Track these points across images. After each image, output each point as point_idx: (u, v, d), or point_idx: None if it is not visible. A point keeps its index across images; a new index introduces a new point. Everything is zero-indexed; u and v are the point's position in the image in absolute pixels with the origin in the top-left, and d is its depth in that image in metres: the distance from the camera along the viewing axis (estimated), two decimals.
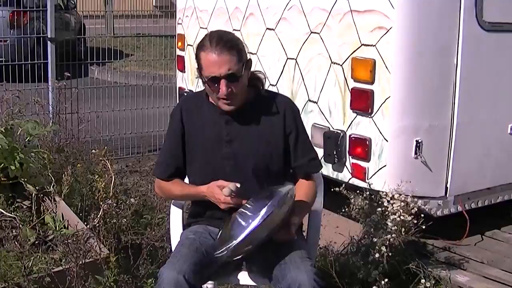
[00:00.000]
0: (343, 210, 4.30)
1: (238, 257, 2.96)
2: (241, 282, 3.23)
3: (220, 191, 2.98)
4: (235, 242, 2.83)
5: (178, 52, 6.16)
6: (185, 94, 5.95)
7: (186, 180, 3.31)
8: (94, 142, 6.93)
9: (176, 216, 3.44)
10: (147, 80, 8.60)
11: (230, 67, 2.97)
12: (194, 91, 5.85)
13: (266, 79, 4.62)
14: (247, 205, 2.93)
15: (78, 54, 8.60)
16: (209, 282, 3.22)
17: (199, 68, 3.05)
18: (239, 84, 3.03)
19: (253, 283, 3.22)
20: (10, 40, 8.13)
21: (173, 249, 3.33)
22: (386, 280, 3.38)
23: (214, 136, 3.17)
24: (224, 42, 2.99)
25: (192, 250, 3.03)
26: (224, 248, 2.86)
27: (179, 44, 6.15)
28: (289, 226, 2.97)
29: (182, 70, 6.10)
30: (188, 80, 5.97)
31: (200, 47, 3.03)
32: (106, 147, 4.82)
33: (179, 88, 6.18)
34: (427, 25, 4.18)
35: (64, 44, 7.64)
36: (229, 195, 2.96)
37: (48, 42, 6.65)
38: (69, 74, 6.41)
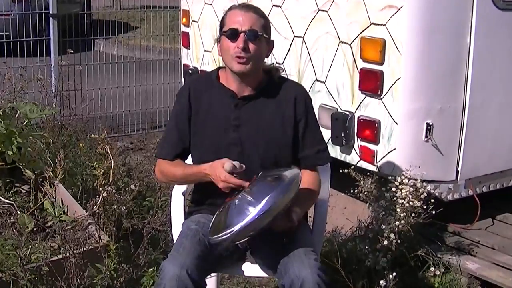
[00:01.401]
0: (351, 192, 4.18)
1: (239, 242, 2.86)
2: (245, 274, 3.13)
3: (222, 169, 2.83)
4: (236, 228, 2.68)
5: (183, 29, 6.01)
6: (190, 71, 5.82)
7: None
8: (98, 119, 6.85)
9: (177, 204, 3.34)
10: (154, 54, 8.49)
11: (253, 25, 2.93)
12: (199, 69, 5.73)
13: (273, 57, 4.52)
14: (249, 189, 2.79)
15: (83, 27, 8.45)
16: (212, 274, 3.12)
17: (221, 26, 3.01)
18: (257, 44, 2.95)
19: (257, 275, 3.12)
20: (12, 14, 8.00)
21: (174, 238, 3.23)
22: (394, 274, 3.26)
23: (221, 120, 3.05)
24: (253, 7, 3.03)
25: (194, 242, 2.92)
26: (223, 234, 2.72)
27: (184, 20, 6.00)
28: (290, 214, 2.85)
29: (187, 46, 5.95)
30: (193, 57, 5.83)
31: (227, 10, 3.04)
32: (106, 129, 4.70)
33: (184, 65, 6.04)
34: (439, 4, 4.02)
35: (67, 18, 7.48)
36: (230, 171, 2.79)
37: (50, 18, 6.51)
38: (72, 51, 6.28)
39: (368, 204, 4.23)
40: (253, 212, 2.67)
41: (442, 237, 4.47)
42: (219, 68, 3.17)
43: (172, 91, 7.44)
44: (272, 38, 3.10)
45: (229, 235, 2.70)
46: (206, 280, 2.92)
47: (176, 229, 3.22)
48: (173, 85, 7.41)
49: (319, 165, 3.15)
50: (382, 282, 3.22)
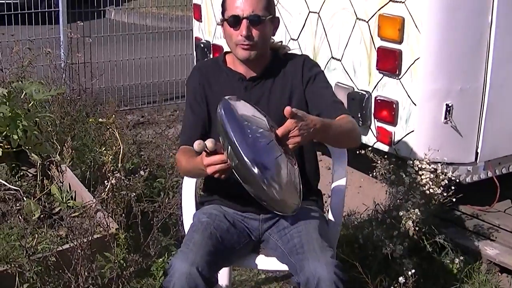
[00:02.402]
0: (368, 173, 4.06)
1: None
2: (259, 267, 3.03)
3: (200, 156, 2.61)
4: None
5: (195, 0, 5.85)
6: (202, 45, 5.66)
7: None
8: (108, 91, 6.73)
9: (188, 193, 3.21)
10: (165, 21, 8.34)
11: (255, 9, 2.80)
12: (211, 42, 5.58)
13: (287, 32, 4.36)
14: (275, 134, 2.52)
15: None
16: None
17: (223, 10, 2.89)
18: (260, 29, 2.84)
19: (271, 268, 3.02)
20: None
21: (185, 228, 3.12)
22: (413, 271, 3.15)
23: None
24: None
25: (205, 236, 2.81)
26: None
27: None
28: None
29: (199, 19, 5.79)
30: (206, 30, 5.68)
31: None
32: (116, 105, 4.60)
33: (196, 38, 5.88)
34: None
35: None
36: (200, 151, 2.50)
37: None
38: (81, 23, 6.14)
39: (385, 186, 4.11)
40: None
41: (461, 220, 4.35)
42: (225, 52, 3.07)
43: (184, 62, 7.32)
44: (281, 14, 2.96)
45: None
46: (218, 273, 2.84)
47: (187, 220, 3.12)
48: (184, 57, 7.27)
49: (340, 115, 2.87)
50: (401, 279, 3.10)
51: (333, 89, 4.13)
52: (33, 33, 6.64)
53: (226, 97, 2.64)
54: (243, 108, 2.64)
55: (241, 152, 2.44)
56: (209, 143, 2.49)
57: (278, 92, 2.96)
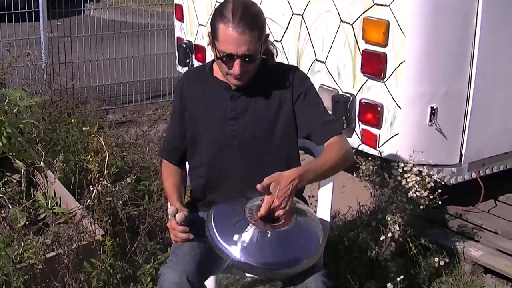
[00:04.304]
0: (352, 173, 4.07)
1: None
2: (246, 274, 3.02)
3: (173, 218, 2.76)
4: (240, 260, 2.58)
5: (176, 0, 5.81)
6: (184, 45, 5.64)
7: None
8: (89, 90, 6.69)
9: None
10: (145, 18, 8.29)
11: (249, 48, 2.71)
12: (193, 43, 5.56)
13: (271, 34, 4.35)
14: (277, 229, 2.63)
15: None
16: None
17: (214, 37, 2.76)
18: (254, 64, 2.80)
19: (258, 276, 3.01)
20: None
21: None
22: (402, 277, 3.16)
23: (218, 113, 2.93)
24: (248, 18, 2.70)
25: (194, 245, 2.80)
26: (224, 253, 2.62)
27: None
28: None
29: (181, 19, 5.76)
30: (187, 31, 5.65)
31: (220, 17, 2.72)
32: (97, 103, 4.54)
33: (178, 38, 5.85)
34: None
35: None
36: (172, 215, 2.74)
37: None
38: (59, 23, 6.09)
39: (369, 186, 4.13)
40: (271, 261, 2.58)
41: (445, 221, 4.38)
42: (213, 60, 2.99)
43: (166, 61, 7.28)
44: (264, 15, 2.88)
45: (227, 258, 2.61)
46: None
47: None
48: (166, 56, 7.23)
49: (332, 135, 2.89)
50: (389, 285, 3.11)
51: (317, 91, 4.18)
52: (13, 31, 6.59)
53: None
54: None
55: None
56: (178, 217, 2.73)
57: (264, 104, 2.91)
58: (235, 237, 2.59)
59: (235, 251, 2.56)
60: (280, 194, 2.61)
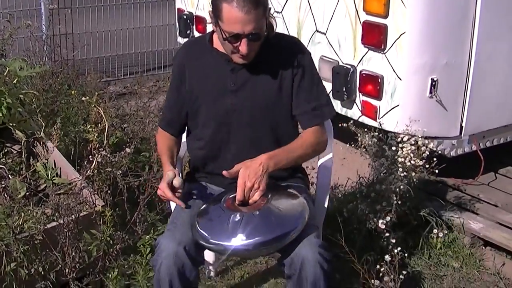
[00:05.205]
0: (351, 144, 4.06)
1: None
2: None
3: (166, 179, 2.74)
4: (224, 244, 2.61)
5: None
6: (184, 16, 5.61)
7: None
8: (90, 62, 6.68)
9: None
10: None
11: (255, 27, 2.66)
12: (194, 13, 5.53)
13: (271, 5, 4.31)
14: (256, 211, 2.64)
15: None
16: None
17: (217, 17, 2.70)
18: (260, 41, 2.76)
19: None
20: None
21: (172, 207, 3.12)
22: (399, 248, 3.16)
23: (218, 86, 2.90)
24: (252, 2, 2.63)
25: (192, 215, 2.80)
26: (206, 243, 2.67)
27: None
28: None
29: None
30: (188, 2, 5.62)
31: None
32: (98, 75, 4.54)
33: (178, 9, 5.82)
34: None
35: None
36: (169, 182, 2.73)
37: None
38: None
39: (368, 160, 4.12)
40: (243, 242, 2.58)
41: (445, 194, 4.38)
42: (213, 31, 2.92)
43: (166, 32, 7.25)
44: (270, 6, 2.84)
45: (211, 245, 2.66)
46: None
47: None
48: (166, 27, 7.20)
49: (317, 123, 2.92)
50: (387, 257, 3.11)
51: (318, 63, 4.17)
52: (14, 2, 6.56)
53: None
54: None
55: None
56: (176, 181, 2.74)
57: (265, 79, 2.88)
58: (223, 228, 2.63)
59: (226, 242, 2.60)
60: (251, 175, 2.66)
